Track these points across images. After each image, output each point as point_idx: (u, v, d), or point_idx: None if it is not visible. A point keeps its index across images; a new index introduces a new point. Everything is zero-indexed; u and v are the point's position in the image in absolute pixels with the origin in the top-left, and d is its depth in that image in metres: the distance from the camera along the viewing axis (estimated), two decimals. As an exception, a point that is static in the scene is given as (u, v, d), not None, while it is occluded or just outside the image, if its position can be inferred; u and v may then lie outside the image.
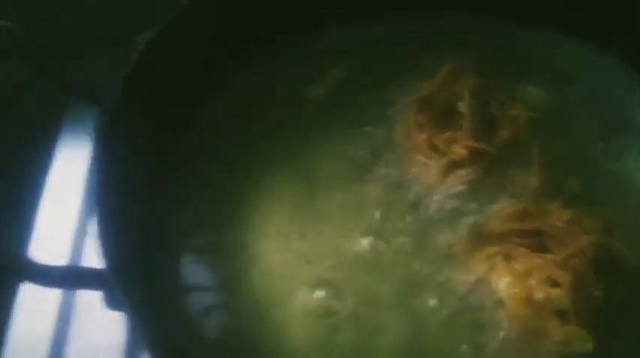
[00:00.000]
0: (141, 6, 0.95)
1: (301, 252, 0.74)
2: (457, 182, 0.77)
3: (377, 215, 0.76)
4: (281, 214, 0.77)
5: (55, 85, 0.72)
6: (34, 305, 0.79)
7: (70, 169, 0.92)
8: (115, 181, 0.64)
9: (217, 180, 0.80)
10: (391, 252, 0.74)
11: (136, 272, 0.61)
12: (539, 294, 0.67)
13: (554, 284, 0.67)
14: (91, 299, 0.74)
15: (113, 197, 0.63)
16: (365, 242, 0.75)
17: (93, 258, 0.59)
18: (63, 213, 0.88)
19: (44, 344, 0.78)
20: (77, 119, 0.98)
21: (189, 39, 0.79)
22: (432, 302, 0.70)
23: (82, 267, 0.61)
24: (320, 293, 0.71)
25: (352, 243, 0.74)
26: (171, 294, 0.70)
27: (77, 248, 0.83)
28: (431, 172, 0.78)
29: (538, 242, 0.72)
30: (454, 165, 0.78)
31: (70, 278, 0.60)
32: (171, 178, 0.78)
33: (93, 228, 0.59)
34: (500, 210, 0.75)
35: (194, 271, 0.73)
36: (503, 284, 0.70)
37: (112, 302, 0.59)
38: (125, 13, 0.98)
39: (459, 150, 0.78)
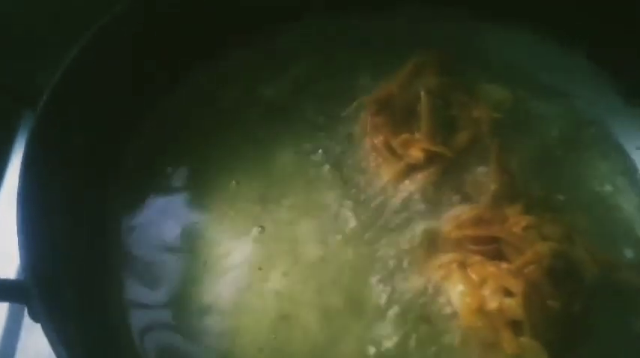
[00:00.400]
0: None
1: (254, 259, 0.71)
2: (413, 186, 0.74)
3: (331, 220, 0.74)
4: (235, 219, 0.74)
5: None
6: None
7: None
8: (45, 190, 0.61)
9: (165, 185, 0.77)
10: (344, 258, 0.71)
11: (66, 284, 0.59)
12: (492, 304, 0.65)
13: (509, 293, 0.65)
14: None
15: (41, 205, 0.60)
16: (318, 247, 0.72)
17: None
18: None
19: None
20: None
21: (131, 40, 0.75)
22: (384, 311, 0.68)
23: (4, 279, 0.58)
24: (272, 303, 0.69)
25: (306, 248, 0.72)
26: (109, 309, 0.67)
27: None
28: (387, 175, 0.75)
29: (495, 249, 0.69)
30: (411, 169, 0.75)
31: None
32: (112, 184, 0.75)
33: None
34: (457, 216, 0.72)
35: (135, 284, 0.70)
36: (456, 293, 0.67)
37: (35, 315, 0.56)
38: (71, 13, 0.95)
39: (416, 153, 0.74)
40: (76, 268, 0.63)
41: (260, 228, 0.74)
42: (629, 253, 0.72)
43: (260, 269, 0.71)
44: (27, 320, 0.78)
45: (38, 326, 0.75)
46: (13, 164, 0.92)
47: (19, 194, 0.58)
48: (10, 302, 0.57)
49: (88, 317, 0.60)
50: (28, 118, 0.95)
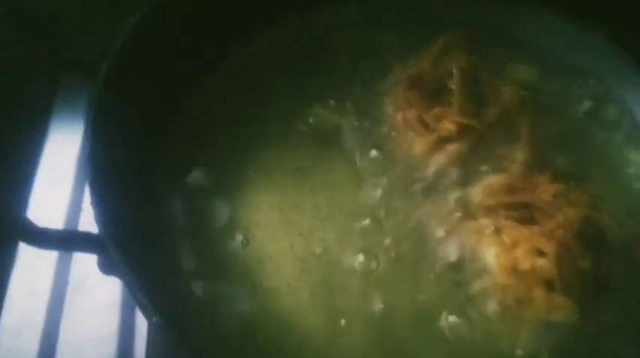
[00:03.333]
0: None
1: (294, 225, 0.75)
2: (446, 157, 0.78)
3: (367, 189, 0.78)
4: (275, 189, 0.78)
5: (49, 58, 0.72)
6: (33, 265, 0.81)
7: (65, 136, 0.95)
8: (108, 150, 0.65)
9: (211, 153, 0.81)
10: (380, 226, 0.75)
11: (131, 237, 0.62)
12: (525, 264, 0.69)
13: (541, 254, 0.69)
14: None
15: (106, 165, 0.63)
16: (355, 215, 0.76)
17: (88, 222, 0.60)
18: (59, 178, 0.90)
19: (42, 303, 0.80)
20: (71, 90, 0.99)
21: (181, 17, 0.79)
22: (423, 274, 0.71)
23: (79, 231, 0.62)
24: (311, 267, 0.72)
25: (343, 217, 0.76)
26: (166, 260, 0.71)
27: (73, 212, 0.85)
28: (420, 147, 0.79)
29: (526, 214, 0.73)
30: (443, 141, 0.79)
31: (67, 240, 0.61)
32: (168, 148, 0.79)
33: (87, 194, 0.60)
34: (489, 184, 0.76)
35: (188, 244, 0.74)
36: (490, 255, 0.71)
37: (107, 267, 0.60)
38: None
39: (448, 126, 0.79)
40: (138, 222, 0.67)
41: (298, 197, 0.77)
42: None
43: (300, 235, 0.75)
44: (71, 284, 0.84)
45: (83, 290, 0.81)
46: (54, 124, 0.97)
47: (88, 155, 0.62)
48: (83, 252, 0.60)
49: (152, 269, 0.64)
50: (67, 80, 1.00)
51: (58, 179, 0.89)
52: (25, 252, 0.82)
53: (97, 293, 0.79)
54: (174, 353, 0.70)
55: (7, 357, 0.78)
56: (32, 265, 0.81)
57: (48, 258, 0.83)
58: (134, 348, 0.81)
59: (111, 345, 0.80)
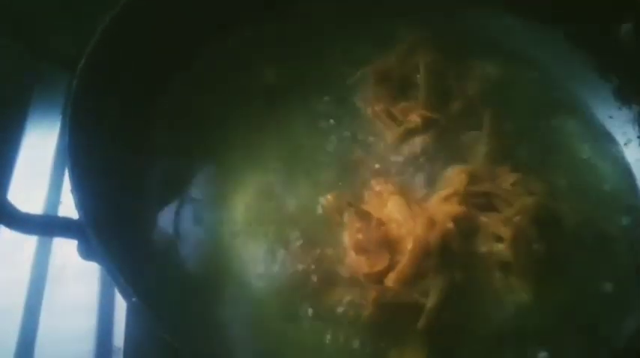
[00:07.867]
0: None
1: (268, 211, 0.78)
2: (412, 148, 0.82)
3: (338, 178, 0.81)
4: (252, 176, 0.81)
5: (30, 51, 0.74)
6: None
7: (43, 125, 0.98)
8: (86, 138, 0.68)
9: (188, 144, 0.84)
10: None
11: (110, 221, 0.64)
12: (483, 248, 0.73)
13: (499, 239, 0.73)
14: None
15: (86, 151, 0.66)
16: (326, 203, 0.78)
17: (67, 211, 0.62)
18: (39, 163, 0.92)
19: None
20: (49, 81, 1.00)
21: (157, 12, 0.83)
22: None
23: (59, 216, 0.64)
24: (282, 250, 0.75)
25: (314, 203, 0.79)
26: (146, 243, 0.74)
27: (52, 201, 0.88)
28: (388, 139, 0.83)
29: (487, 202, 0.77)
30: (411, 133, 0.83)
31: (48, 226, 0.64)
32: (145, 133, 0.82)
33: (67, 181, 0.63)
34: (452, 173, 0.80)
35: (168, 223, 0.77)
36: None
37: (87, 252, 0.63)
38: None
39: (414, 119, 0.83)
40: (118, 208, 0.70)
41: (273, 185, 0.80)
42: (605, 207, 0.81)
43: (273, 222, 0.77)
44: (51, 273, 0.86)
45: (62, 280, 0.84)
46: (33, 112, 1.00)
47: (68, 143, 0.65)
48: (63, 237, 0.63)
49: (133, 253, 0.67)
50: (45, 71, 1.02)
51: (37, 168, 0.92)
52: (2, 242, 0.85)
53: (76, 284, 0.81)
54: (152, 338, 0.73)
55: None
56: (10, 255, 0.84)
57: (26, 247, 0.85)
58: (113, 336, 0.83)
59: (90, 335, 0.82)
